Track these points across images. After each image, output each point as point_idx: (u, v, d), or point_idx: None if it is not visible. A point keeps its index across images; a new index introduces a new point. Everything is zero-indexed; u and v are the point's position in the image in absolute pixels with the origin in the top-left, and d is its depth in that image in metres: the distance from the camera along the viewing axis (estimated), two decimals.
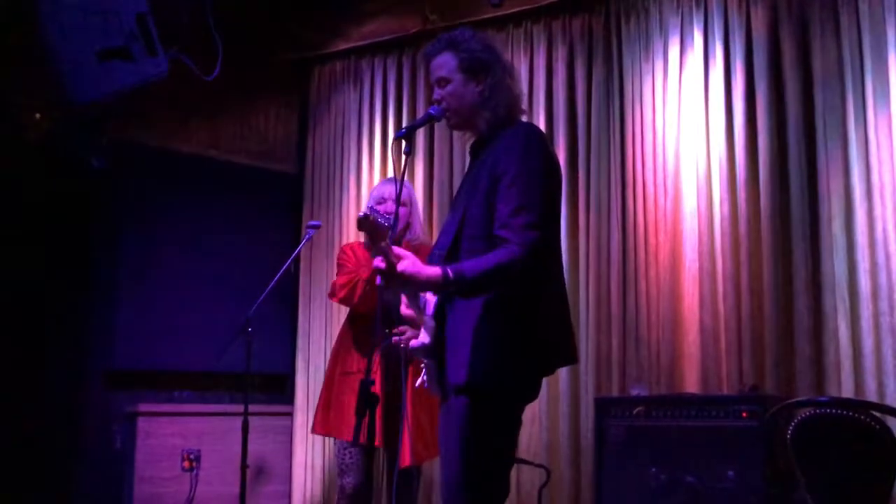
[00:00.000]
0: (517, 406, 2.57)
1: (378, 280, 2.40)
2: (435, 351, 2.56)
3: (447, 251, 2.57)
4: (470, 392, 2.46)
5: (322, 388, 4.16)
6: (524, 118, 2.76)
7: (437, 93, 2.68)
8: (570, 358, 2.63)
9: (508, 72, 2.71)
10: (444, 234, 2.64)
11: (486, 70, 2.65)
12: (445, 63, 2.66)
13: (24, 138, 4.65)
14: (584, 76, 5.12)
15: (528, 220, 2.45)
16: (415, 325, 2.64)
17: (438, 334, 2.55)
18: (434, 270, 2.39)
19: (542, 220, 2.48)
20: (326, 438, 5.59)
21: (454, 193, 5.45)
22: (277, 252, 5.36)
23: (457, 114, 2.68)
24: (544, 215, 2.50)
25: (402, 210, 3.88)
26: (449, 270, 2.38)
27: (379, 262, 2.38)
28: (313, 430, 4.15)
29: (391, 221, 2.31)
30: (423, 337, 2.58)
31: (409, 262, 2.39)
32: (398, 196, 2.91)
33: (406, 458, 3.79)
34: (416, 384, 2.70)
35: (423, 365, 2.68)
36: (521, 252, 2.41)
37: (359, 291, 3.91)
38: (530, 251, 2.43)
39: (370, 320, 3.93)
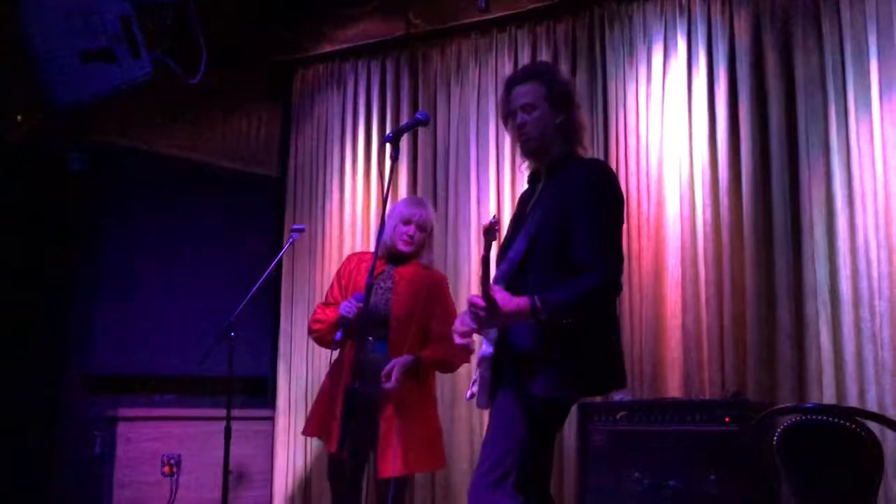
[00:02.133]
0: (565, 416, 2.77)
1: (469, 317, 2.55)
2: (495, 362, 2.69)
3: (516, 270, 2.70)
4: (535, 402, 2.59)
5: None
6: (581, 150, 2.92)
7: (521, 117, 2.84)
8: (623, 381, 2.76)
9: (580, 104, 2.93)
10: (513, 254, 2.76)
11: (569, 103, 2.86)
12: (533, 91, 2.84)
13: (5, 140, 4.60)
14: None
15: (611, 247, 2.64)
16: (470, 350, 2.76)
17: (501, 344, 2.68)
18: (521, 302, 2.53)
19: (620, 251, 2.68)
20: (308, 443, 5.59)
21: (436, 195, 5.46)
22: (259, 256, 5.34)
23: (535, 140, 2.85)
24: (621, 246, 2.70)
25: (420, 236, 3.98)
26: (537, 300, 2.52)
27: (476, 299, 2.50)
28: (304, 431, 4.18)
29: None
30: (487, 347, 2.66)
31: (502, 296, 2.52)
32: (385, 197, 2.95)
33: (387, 469, 3.74)
34: (467, 397, 2.77)
35: (475, 376, 2.72)
36: (607, 277, 2.59)
37: (325, 342, 4.04)
38: (616, 276, 2.61)
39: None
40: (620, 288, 2.65)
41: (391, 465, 3.70)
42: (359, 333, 3.79)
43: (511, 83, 2.91)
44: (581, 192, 2.69)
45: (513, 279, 2.69)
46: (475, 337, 2.77)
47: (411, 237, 3.94)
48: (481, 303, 2.49)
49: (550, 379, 2.59)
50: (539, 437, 2.63)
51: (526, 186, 3.05)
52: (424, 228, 3.98)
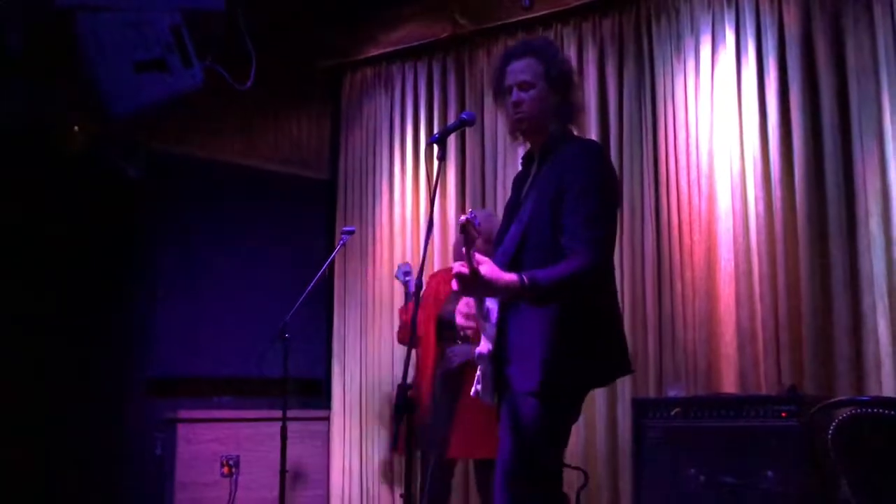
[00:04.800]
0: (576, 410, 2.68)
1: (455, 285, 2.45)
2: (495, 358, 2.64)
3: (510, 259, 2.63)
4: (539, 397, 2.55)
5: None
6: (575, 130, 2.82)
7: (517, 95, 2.72)
8: (627, 369, 2.72)
9: (579, 87, 2.85)
10: (507, 243, 2.70)
11: (568, 85, 2.74)
12: (531, 68, 2.72)
13: (63, 150, 4.73)
14: (616, 77, 5.11)
15: (596, 234, 2.55)
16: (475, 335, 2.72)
17: (500, 342, 2.63)
18: (511, 276, 2.48)
19: (608, 234, 2.61)
20: (364, 443, 5.65)
21: (485, 196, 5.48)
22: (312, 258, 5.42)
23: (530, 119, 2.74)
24: (610, 230, 2.63)
25: (486, 247, 4.22)
26: (525, 277, 2.47)
27: (460, 266, 2.44)
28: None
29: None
30: (486, 344, 2.64)
31: (489, 268, 2.46)
32: (432, 197, 2.96)
33: (451, 452, 4.21)
34: (472, 393, 2.76)
35: (478, 373, 2.72)
36: (590, 263, 2.52)
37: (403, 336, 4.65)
38: (599, 263, 2.55)
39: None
40: (600, 275, 2.58)
41: (454, 449, 4.20)
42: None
43: (507, 57, 2.77)
44: (571, 176, 2.59)
45: (508, 270, 2.57)
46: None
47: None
48: (465, 270, 2.42)
49: (547, 373, 2.53)
50: (549, 434, 2.57)
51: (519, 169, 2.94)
52: (489, 241, 4.19)
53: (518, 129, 2.79)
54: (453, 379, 4.22)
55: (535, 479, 2.56)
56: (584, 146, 2.72)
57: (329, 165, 6.24)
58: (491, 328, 2.65)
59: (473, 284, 2.44)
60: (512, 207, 2.82)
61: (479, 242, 4.12)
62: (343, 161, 6.15)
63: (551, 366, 2.53)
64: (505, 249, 2.69)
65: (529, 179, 2.78)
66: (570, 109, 2.75)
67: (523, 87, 2.71)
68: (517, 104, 2.72)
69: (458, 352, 4.18)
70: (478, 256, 2.45)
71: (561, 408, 2.59)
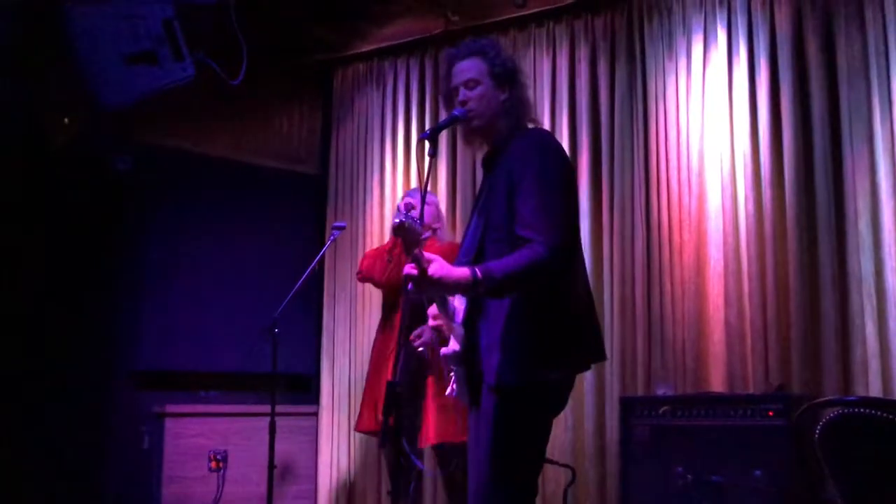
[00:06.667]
0: (548, 411, 2.61)
1: (409, 286, 2.44)
2: (464, 358, 2.61)
3: (473, 257, 2.62)
4: (502, 393, 2.50)
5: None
6: (531, 125, 2.81)
7: (464, 94, 2.74)
8: (599, 355, 2.68)
9: (526, 83, 2.82)
10: (469, 240, 2.69)
11: (512, 80, 2.76)
12: (475, 66, 2.75)
13: (52, 142, 4.70)
14: (607, 75, 5.12)
15: (550, 221, 2.51)
16: (443, 335, 2.69)
17: (467, 341, 2.60)
18: (463, 271, 2.45)
19: (563, 220, 2.56)
20: (352, 438, 5.64)
21: (474, 198, 5.48)
22: (302, 253, 5.40)
23: (480, 117, 2.74)
24: (565, 215, 2.58)
25: (428, 211, 4.29)
26: (478, 270, 2.44)
27: (410, 267, 2.43)
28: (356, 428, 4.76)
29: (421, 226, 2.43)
30: (454, 344, 2.63)
31: (438, 265, 2.44)
32: (423, 194, 2.95)
33: (422, 440, 4.25)
34: (447, 393, 2.74)
35: (451, 373, 2.70)
36: (546, 252, 2.47)
37: (381, 265, 4.57)
38: (555, 251, 2.49)
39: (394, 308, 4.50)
40: (558, 264, 2.50)
41: (425, 436, 4.26)
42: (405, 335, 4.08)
43: (452, 59, 2.80)
44: (521, 165, 2.59)
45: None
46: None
47: None
48: (414, 271, 2.41)
49: (511, 365, 2.49)
50: (512, 435, 2.52)
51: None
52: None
53: (469, 129, 2.78)
54: (416, 361, 4.13)
55: (503, 490, 2.49)
56: (533, 136, 2.73)
57: (320, 161, 6.23)
58: (458, 328, 2.63)
59: (424, 283, 2.43)
60: (473, 206, 2.83)
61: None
62: (334, 156, 6.13)
63: (510, 358, 2.50)
64: (467, 248, 2.68)
65: (488, 180, 2.77)
66: (519, 106, 2.76)
67: (469, 84, 2.74)
68: (464, 103, 2.73)
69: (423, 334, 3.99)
70: (427, 255, 2.44)
71: (524, 403, 2.52)
